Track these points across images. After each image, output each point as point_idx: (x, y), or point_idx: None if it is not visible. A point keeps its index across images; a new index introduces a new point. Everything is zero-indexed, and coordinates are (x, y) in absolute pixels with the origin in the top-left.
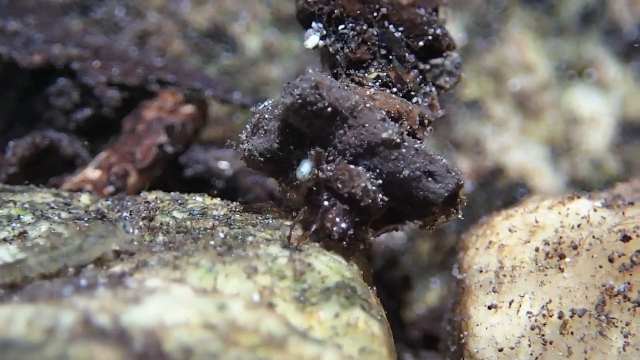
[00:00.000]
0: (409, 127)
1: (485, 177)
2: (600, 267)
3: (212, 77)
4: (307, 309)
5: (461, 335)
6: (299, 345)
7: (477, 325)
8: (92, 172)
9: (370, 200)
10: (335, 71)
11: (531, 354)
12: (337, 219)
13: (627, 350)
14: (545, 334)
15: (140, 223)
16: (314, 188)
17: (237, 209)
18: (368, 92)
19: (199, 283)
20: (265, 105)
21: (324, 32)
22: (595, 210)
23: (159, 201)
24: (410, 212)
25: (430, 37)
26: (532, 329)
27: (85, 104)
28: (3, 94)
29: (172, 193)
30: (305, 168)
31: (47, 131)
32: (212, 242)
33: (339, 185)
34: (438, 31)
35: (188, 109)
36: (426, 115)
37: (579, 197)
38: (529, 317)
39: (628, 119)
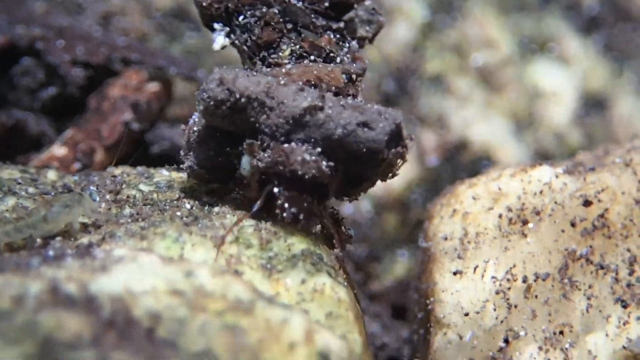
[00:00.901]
0: (333, 87)
1: (450, 151)
2: (563, 231)
3: (176, 56)
4: (274, 276)
5: (427, 302)
6: (267, 310)
7: (443, 291)
8: (58, 150)
9: (314, 171)
10: (253, 61)
11: (496, 318)
12: (286, 205)
13: (590, 312)
14: (509, 298)
15: (107, 196)
16: (264, 178)
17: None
18: (284, 70)
19: (166, 252)
20: (193, 119)
21: (227, 29)
22: (557, 177)
23: (125, 175)
24: (364, 169)
25: None
26: (497, 293)
27: (50, 84)
28: None
29: (138, 167)
30: (245, 163)
31: (12, 110)
32: (178, 213)
33: (280, 168)
34: None
35: (153, 86)
36: (352, 71)
37: (540, 165)
38: (494, 282)
39: (590, 92)
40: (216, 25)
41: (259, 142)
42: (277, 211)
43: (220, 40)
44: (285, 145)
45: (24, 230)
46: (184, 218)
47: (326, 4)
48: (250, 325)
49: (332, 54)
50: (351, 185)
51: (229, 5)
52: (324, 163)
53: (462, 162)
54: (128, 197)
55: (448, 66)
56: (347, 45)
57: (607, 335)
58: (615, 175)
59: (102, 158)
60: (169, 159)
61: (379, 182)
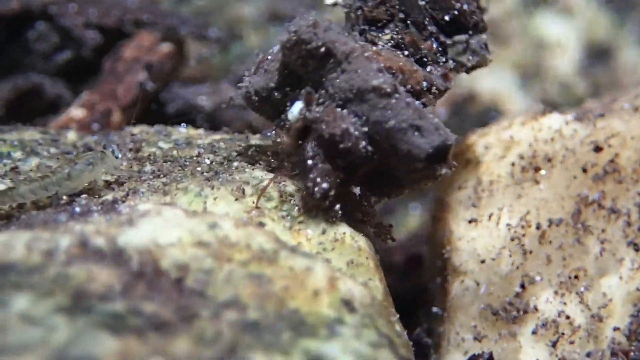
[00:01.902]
0: (410, 86)
1: (458, 104)
2: (575, 177)
3: (187, 16)
4: (295, 227)
5: (444, 250)
6: (290, 259)
7: (459, 239)
8: (75, 111)
9: (350, 144)
10: (354, 29)
11: (512, 264)
12: (319, 179)
13: (604, 255)
14: (524, 244)
15: (128, 154)
16: (302, 139)
17: (221, 138)
18: (375, 48)
19: (189, 207)
20: (273, 49)
21: None
22: (567, 124)
23: (144, 134)
24: (398, 169)
25: (456, 12)
26: (512, 240)
27: (65, 47)
28: None
29: (156, 126)
30: (296, 108)
31: (28, 74)
32: (198, 169)
33: (323, 127)
34: (465, 7)
35: (165, 47)
36: (435, 83)
37: (550, 112)
38: (509, 229)
39: (593, 42)
40: None
41: (317, 96)
42: (309, 184)
43: None
44: (338, 109)
45: (50, 187)
46: (204, 173)
47: (446, 18)
48: (275, 273)
49: (425, 59)
50: (379, 181)
51: None
52: (363, 143)
53: (471, 115)
54: (149, 154)
55: None
56: (443, 59)
57: (620, 278)
58: (625, 120)
59: (119, 118)
60: (184, 117)
61: None
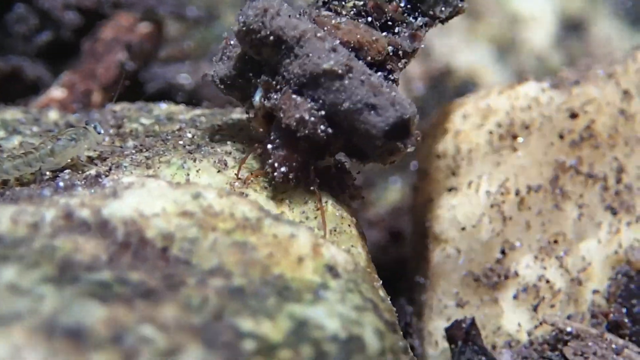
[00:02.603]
0: (370, 57)
1: (435, 78)
2: (552, 144)
3: None
4: (277, 196)
5: (425, 219)
6: (274, 227)
7: (439, 208)
8: (56, 92)
9: (307, 131)
10: (317, 2)
11: (492, 231)
12: (276, 164)
13: (582, 220)
14: (504, 211)
15: (110, 131)
16: (270, 123)
17: (202, 113)
18: (334, 22)
19: (172, 179)
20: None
21: None
22: (543, 91)
23: (125, 110)
24: (364, 146)
25: None
26: (492, 206)
27: (44, 29)
28: None
29: (137, 102)
30: (257, 95)
31: (9, 56)
32: (180, 142)
33: (281, 115)
34: None
35: (144, 27)
36: (401, 45)
37: (527, 80)
38: (488, 196)
39: (568, 15)
40: None
41: (274, 82)
42: (269, 169)
43: None
44: (294, 96)
45: (33, 163)
46: (186, 146)
47: None
48: (259, 241)
49: (390, 22)
50: (353, 154)
51: None
52: (322, 127)
53: (448, 89)
54: (130, 130)
55: None
56: (412, 19)
57: (599, 241)
58: (599, 87)
59: (99, 98)
60: (164, 97)
61: None
